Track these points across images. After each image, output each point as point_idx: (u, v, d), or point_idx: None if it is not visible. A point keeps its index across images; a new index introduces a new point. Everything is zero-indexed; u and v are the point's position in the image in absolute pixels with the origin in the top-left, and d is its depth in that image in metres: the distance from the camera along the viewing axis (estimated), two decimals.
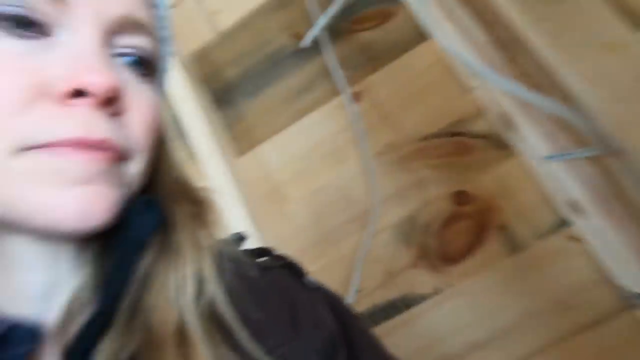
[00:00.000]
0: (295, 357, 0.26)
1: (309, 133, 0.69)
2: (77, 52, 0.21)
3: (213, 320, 0.25)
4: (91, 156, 0.20)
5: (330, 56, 0.67)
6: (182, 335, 0.24)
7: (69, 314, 0.24)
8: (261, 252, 0.34)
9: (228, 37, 0.78)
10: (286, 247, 0.64)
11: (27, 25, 0.20)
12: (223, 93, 0.76)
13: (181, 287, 0.25)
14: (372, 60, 0.67)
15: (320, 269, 0.64)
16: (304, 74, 0.72)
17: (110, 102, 0.21)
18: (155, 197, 0.26)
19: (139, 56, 0.25)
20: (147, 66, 0.25)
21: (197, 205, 0.29)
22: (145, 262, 0.25)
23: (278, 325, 0.28)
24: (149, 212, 0.25)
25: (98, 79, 0.20)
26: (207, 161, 0.66)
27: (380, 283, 0.59)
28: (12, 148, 0.19)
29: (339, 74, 0.67)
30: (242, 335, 0.24)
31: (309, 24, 0.72)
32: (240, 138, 0.73)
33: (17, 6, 0.20)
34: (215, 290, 0.25)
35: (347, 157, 0.66)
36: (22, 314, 0.22)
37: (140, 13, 0.25)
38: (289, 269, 0.34)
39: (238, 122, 0.74)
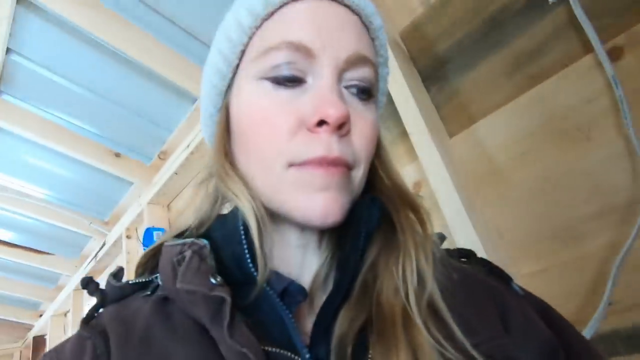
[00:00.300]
0: (503, 354, 0.28)
1: (542, 105, 0.57)
2: (319, 91, 0.29)
3: (430, 310, 0.29)
4: (329, 171, 0.28)
5: (576, 3, 0.53)
6: (406, 316, 0.28)
7: (314, 284, 0.32)
8: (464, 253, 0.39)
9: (439, 7, 0.73)
10: (505, 238, 0.57)
11: (292, 80, 0.30)
12: (433, 70, 0.72)
13: (405, 278, 0.29)
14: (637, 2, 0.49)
15: (548, 269, 0.54)
16: (536, 34, 0.59)
17: (342, 127, 0.29)
18: (377, 197, 0.32)
19: (363, 86, 0.31)
20: (368, 92, 0.32)
21: (414, 209, 0.33)
22: (372, 252, 0.32)
23: (487, 324, 0.31)
24: (374, 208, 0.31)
25: (334, 111, 0.28)
26: (418, 141, 0.64)
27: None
28: (285, 165, 0.29)
29: (588, 26, 0.52)
30: (455, 327, 0.28)
31: None
32: (452, 117, 0.68)
33: (291, 71, 0.30)
34: (432, 285, 0.29)
35: (597, 134, 0.52)
36: (290, 277, 0.30)
37: (364, 49, 0.31)
38: (495, 274, 0.37)
39: (450, 100, 0.69)
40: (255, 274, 0.28)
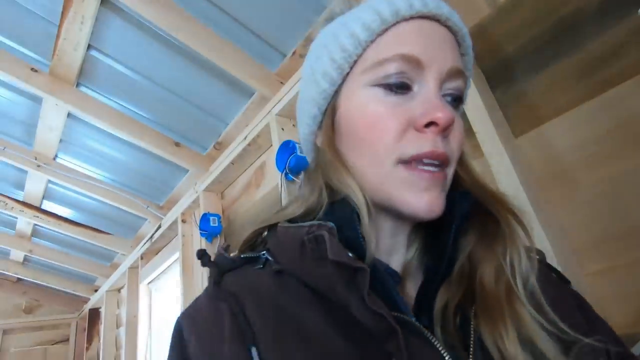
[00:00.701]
0: (590, 336, 0.32)
1: (614, 109, 0.58)
2: (426, 97, 0.34)
3: (528, 292, 0.33)
4: (434, 175, 0.34)
5: None
6: (510, 294, 0.33)
7: (405, 269, 0.38)
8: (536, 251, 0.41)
9: (508, 9, 0.74)
10: (570, 237, 0.59)
11: (401, 87, 0.35)
12: (498, 70, 0.74)
13: (513, 263, 0.34)
14: None
15: (613, 270, 0.55)
16: (611, 39, 0.60)
17: (446, 129, 0.34)
18: (468, 191, 0.37)
19: (457, 95, 0.37)
20: (459, 100, 0.37)
21: (499, 204, 0.37)
22: (468, 243, 0.36)
23: (574, 319, 0.34)
24: (465, 201, 0.36)
25: (443, 115, 0.33)
26: (483, 140, 0.67)
27: None
28: (395, 161, 0.34)
29: None
30: (548, 308, 0.32)
31: None
32: (518, 117, 0.69)
33: (401, 79, 0.35)
34: (529, 271, 0.34)
35: None
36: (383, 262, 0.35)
37: (459, 63, 0.36)
38: (558, 275, 0.41)
39: (516, 101, 0.70)
40: (365, 255, 0.33)
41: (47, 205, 2.28)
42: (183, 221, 1.74)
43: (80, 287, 3.20)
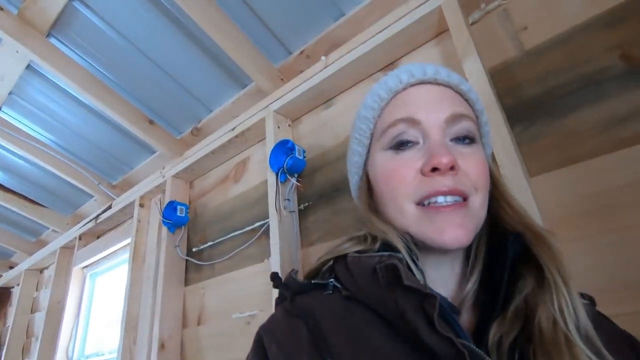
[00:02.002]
0: None
1: (628, 167, 0.62)
2: (430, 147, 0.41)
3: (584, 337, 0.35)
4: (448, 209, 0.39)
5: None
6: (568, 342, 0.34)
7: (460, 301, 0.42)
8: (587, 297, 0.45)
9: (533, 54, 0.78)
10: (578, 281, 0.61)
11: (406, 144, 0.43)
12: (519, 110, 0.76)
13: (563, 312, 0.36)
14: None
15: (621, 317, 0.58)
16: (633, 100, 0.65)
17: (452, 168, 0.39)
18: (519, 234, 0.40)
19: (463, 135, 0.43)
20: (470, 137, 0.43)
21: (551, 249, 0.39)
22: (525, 287, 0.38)
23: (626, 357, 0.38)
24: (517, 244, 0.39)
25: (443, 160, 0.38)
26: (507, 172, 0.68)
27: None
28: (415, 201, 0.40)
29: None
30: (607, 354, 0.34)
31: None
32: (533, 158, 0.72)
33: (403, 138, 0.43)
34: (585, 318, 0.36)
35: None
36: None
37: (459, 108, 0.43)
38: (608, 319, 0.44)
39: (535, 142, 0.73)
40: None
41: None
42: (141, 205, 1.59)
43: None
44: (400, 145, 0.43)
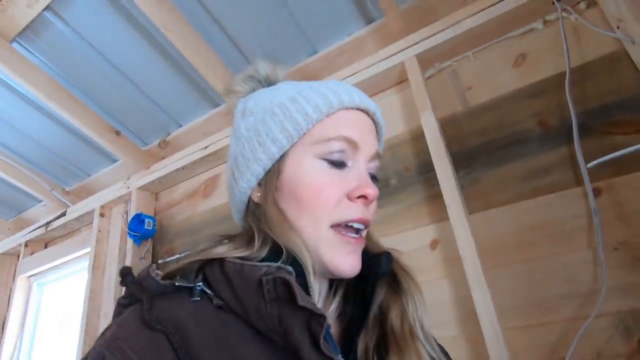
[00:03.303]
0: None
1: (541, 211, 0.81)
2: (359, 174, 0.43)
3: (425, 333, 0.44)
4: (358, 241, 0.43)
5: (579, 150, 0.78)
6: (412, 335, 0.43)
7: (330, 313, 0.45)
8: None
9: (476, 111, 0.95)
10: (500, 299, 0.78)
11: (342, 164, 0.43)
12: (463, 157, 0.93)
13: (411, 311, 0.45)
14: (619, 163, 0.75)
15: (526, 328, 0.76)
16: (545, 158, 0.83)
17: (372, 201, 0.44)
18: (390, 252, 0.47)
19: (374, 174, 0.47)
20: (375, 178, 0.47)
21: (398, 261, 0.48)
22: (380, 295, 0.46)
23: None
24: (388, 261, 0.46)
25: (372, 191, 0.42)
26: (451, 211, 0.84)
27: None
28: (330, 224, 0.41)
29: (584, 168, 0.77)
30: (429, 345, 0.44)
31: (559, 115, 0.84)
32: (472, 198, 0.89)
33: (341, 157, 0.43)
34: (426, 319, 0.45)
35: (575, 242, 0.76)
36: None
37: (378, 148, 0.47)
38: None
39: (472, 185, 0.90)
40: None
41: None
42: (101, 215, 1.58)
43: None
44: (338, 162, 0.43)
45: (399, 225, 0.97)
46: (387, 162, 1.04)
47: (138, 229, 1.37)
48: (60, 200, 1.80)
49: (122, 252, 1.46)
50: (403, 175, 1.01)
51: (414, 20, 1.03)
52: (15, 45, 1.28)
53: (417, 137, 1.00)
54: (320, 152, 0.42)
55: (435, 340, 0.47)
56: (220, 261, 0.39)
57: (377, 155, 0.46)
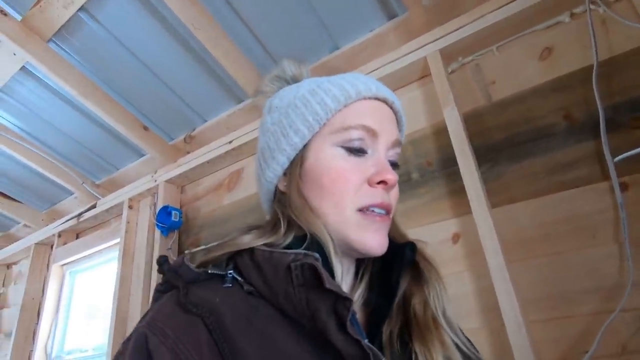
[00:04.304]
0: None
1: (565, 206, 0.81)
2: (378, 161, 0.44)
3: (447, 320, 0.45)
4: (383, 219, 0.43)
5: (606, 144, 0.77)
6: (435, 323, 0.44)
7: (356, 300, 0.46)
8: None
9: (500, 105, 0.95)
10: (523, 292, 0.79)
11: (360, 151, 0.44)
12: (486, 151, 0.94)
13: (432, 296, 0.45)
14: None
15: (550, 321, 0.77)
16: (571, 153, 0.83)
17: (392, 187, 0.45)
18: (413, 243, 0.47)
19: (395, 160, 0.48)
20: (396, 165, 0.48)
21: (422, 252, 0.49)
22: (404, 284, 0.46)
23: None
24: (411, 250, 0.46)
25: (392, 177, 0.43)
26: (474, 205, 0.85)
27: (614, 353, 0.69)
28: (355, 208, 0.43)
29: (611, 162, 0.76)
30: (462, 335, 0.45)
31: (586, 109, 0.83)
32: (495, 192, 0.89)
33: (360, 145, 0.44)
34: (449, 307, 0.46)
35: (600, 237, 0.76)
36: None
37: (398, 136, 0.48)
38: None
39: (497, 179, 0.90)
40: None
41: None
42: (130, 207, 1.65)
43: None
44: (357, 149, 0.44)
45: (420, 218, 0.99)
46: (409, 156, 1.05)
47: (165, 220, 1.43)
48: (90, 193, 1.88)
49: (150, 243, 1.52)
50: (425, 170, 1.02)
51: (437, 15, 1.03)
52: (51, 44, 1.35)
53: (440, 132, 1.01)
54: (340, 141, 0.44)
55: (462, 331, 0.48)
56: (250, 250, 0.41)
57: (397, 143, 0.47)
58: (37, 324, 1.89)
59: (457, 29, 0.98)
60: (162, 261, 0.41)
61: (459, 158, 0.90)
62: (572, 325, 0.74)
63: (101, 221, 1.90)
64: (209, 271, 0.39)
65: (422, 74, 1.08)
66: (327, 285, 0.34)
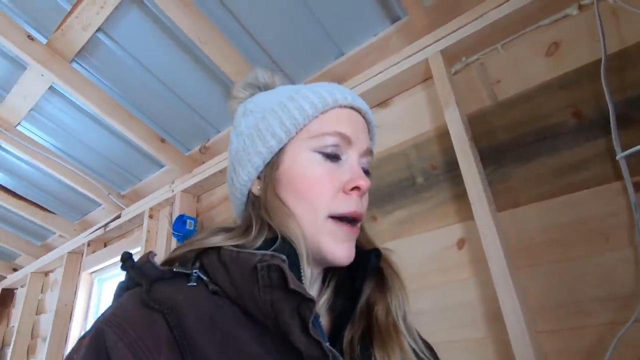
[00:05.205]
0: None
1: (575, 208, 0.76)
2: (352, 168, 0.46)
3: (407, 327, 0.47)
4: (352, 229, 0.45)
5: (617, 141, 0.72)
6: (395, 328, 0.45)
7: (321, 304, 0.47)
8: None
9: (505, 105, 0.91)
10: (531, 301, 0.74)
11: (334, 157, 0.46)
12: (491, 153, 0.90)
13: (394, 306, 0.46)
14: None
15: (559, 332, 0.72)
16: (580, 153, 0.78)
17: (365, 193, 0.46)
18: (379, 249, 0.48)
19: (367, 169, 0.49)
20: (367, 172, 0.49)
21: (387, 259, 0.50)
22: (367, 289, 0.47)
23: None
24: (376, 257, 0.47)
25: (365, 183, 0.44)
26: (476, 209, 0.82)
27: None
28: (326, 215, 0.43)
29: (622, 161, 0.71)
30: (412, 338, 0.46)
31: (595, 105, 0.78)
32: (501, 195, 0.86)
33: (335, 151, 0.46)
34: (407, 313, 0.47)
35: (613, 240, 0.70)
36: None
37: (370, 145, 0.50)
38: None
39: (502, 182, 0.87)
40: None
41: None
42: (150, 216, 1.71)
43: None
44: (332, 155, 0.45)
45: (425, 224, 0.96)
46: (413, 160, 1.03)
47: (181, 229, 1.47)
48: (115, 204, 1.97)
49: (168, 251, 1.57)
50: (429, 174, 0.99)
51: (439, 15, 1.01)
52: (74, 64, 1.44)
53: (444, 134, 0.98)
54: (316, 146, 0.45)
55: (420, 337, 0.49)
56: (217, 249, 0.41)
57: (369, 152, 0.49)
58: (69, 329, 1.99)
59: (458, 29, 0.96)
60: (126, 257, 0.41)
61: (460, 160, 0.87)
62: (584, 337, 0.69)
63: (125, 230, 1.99)
64: (174, 269, 0.39)
65: (425, 76, 1.06)
66: (292, 286, 0.35)
